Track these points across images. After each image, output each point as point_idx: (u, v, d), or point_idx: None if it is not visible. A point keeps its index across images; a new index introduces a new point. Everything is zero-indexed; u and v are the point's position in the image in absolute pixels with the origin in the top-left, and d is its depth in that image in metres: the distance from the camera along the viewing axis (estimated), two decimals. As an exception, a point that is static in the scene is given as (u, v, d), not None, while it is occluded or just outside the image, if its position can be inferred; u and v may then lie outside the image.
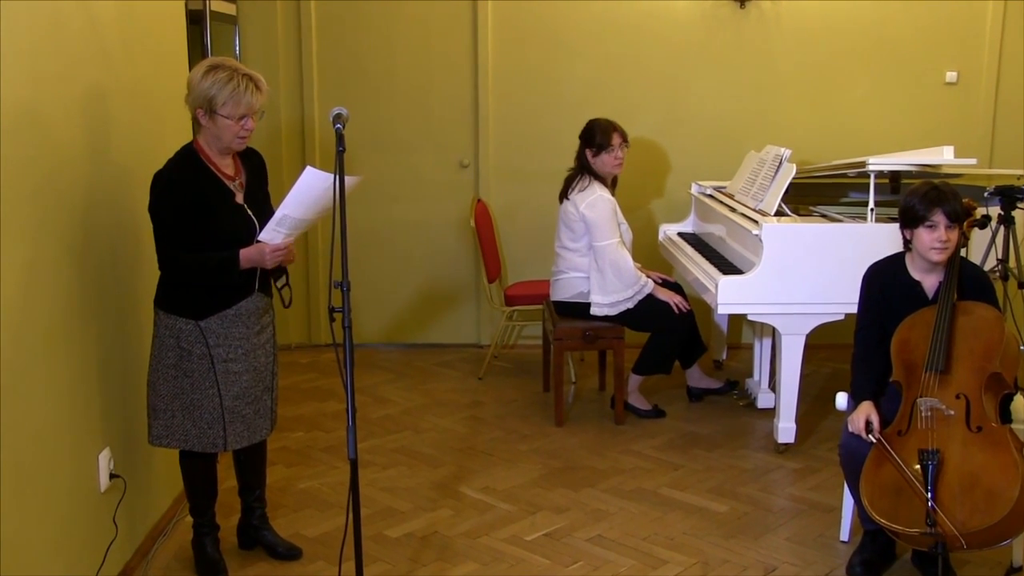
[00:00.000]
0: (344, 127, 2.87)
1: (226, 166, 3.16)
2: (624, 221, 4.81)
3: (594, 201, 4.71)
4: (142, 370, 3.41)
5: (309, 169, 2.90)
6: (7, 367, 2.62)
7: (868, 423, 3.12)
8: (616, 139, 4.75)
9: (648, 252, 5.64)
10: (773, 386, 4.83)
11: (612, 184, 4.90)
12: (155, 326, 3.20)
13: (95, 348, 3.17)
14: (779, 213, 4.43)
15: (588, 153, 4.75)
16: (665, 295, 4.78)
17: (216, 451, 3.23)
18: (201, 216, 3.05)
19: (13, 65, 2.65)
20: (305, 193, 2.94)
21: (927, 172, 4.57)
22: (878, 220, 4.27)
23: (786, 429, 4.37)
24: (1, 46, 2.59)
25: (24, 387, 2.71)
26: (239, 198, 3.16)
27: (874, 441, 3.07)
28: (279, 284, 3.28)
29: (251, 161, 3.27)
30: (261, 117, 3.13)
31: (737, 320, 5.83)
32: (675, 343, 4.84)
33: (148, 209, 3.08)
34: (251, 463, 3.48)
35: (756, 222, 4.34)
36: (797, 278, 4.22)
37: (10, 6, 2.64)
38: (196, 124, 3.11)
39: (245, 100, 3.02)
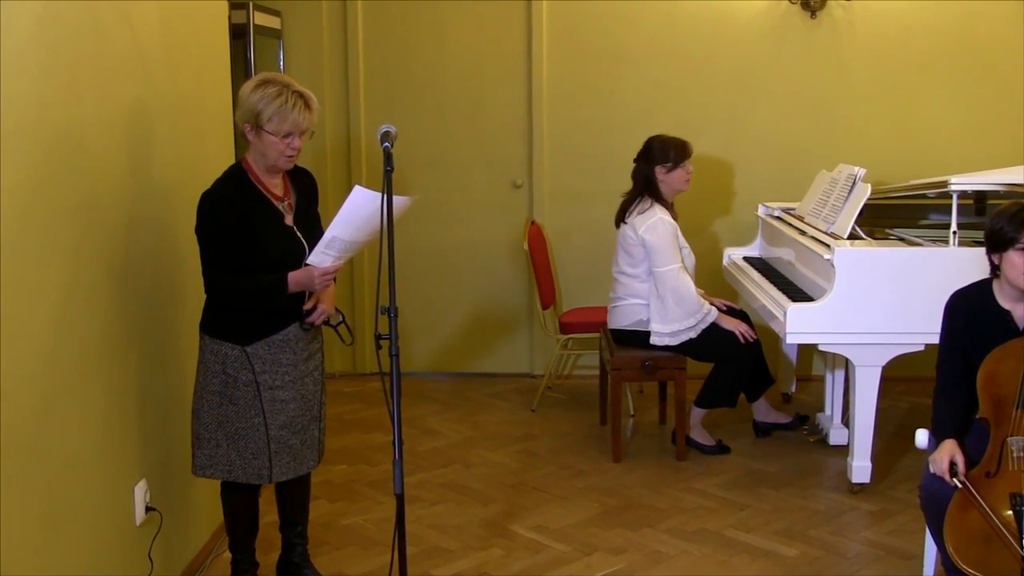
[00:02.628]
0: (392, 145, 2.88)
1: (275, 186, 3.19)
2: (686, 245, 4.78)
3: (654, 224, 4.68)
4: (182, 398, 3.44)
5: (358, 188, 2.91)
6: (41, 393, 2.65)
7: (952, 464, 3.04)
8: (689, 154, 4.77)
9: (712, 278, 5.60)
10: (846, 421, 4.75)
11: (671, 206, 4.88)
12: (200, 351, 3.23)
13: (134, 374, 3.21)
14: (852, 236, 4.38)
15: (661, 170, 4.73)
16: (730, 323, 4.73)
17: (261, 483, 3.25)
18: (248, 238, 3.08)
19: (54, 81, 2.71)
20: (354, 214, 2.95)
21: (1016, 192, 4.48)
22: (961, 244, 4.20)
23: (861, 468, 4.29)
24: (42, 62, 2.65)
25: (59, 414, 2.74)
26: (288, 219, 3.19)
27: (959, 485, 2.99)
28: (334, 323, 3.29)
29: (302, 181, 3.30)
30: (310, 137, 3.16)
31: (807, 351, 5.75)
32: (740, 374, 4.79)
33: (195, 230, 3.12)
34: (294, 497, 3.49)
35: (828, 246, 4.29)
36: (872, 306, 4.16)
37: (53, 22, 2.70)
38: (244, 141, 3.15)
39: (292, 117, 3.04)
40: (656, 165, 4.74)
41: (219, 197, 3.10)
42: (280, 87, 3.05)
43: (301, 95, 3.08)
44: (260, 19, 5.43)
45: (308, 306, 3.20)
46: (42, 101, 2.65)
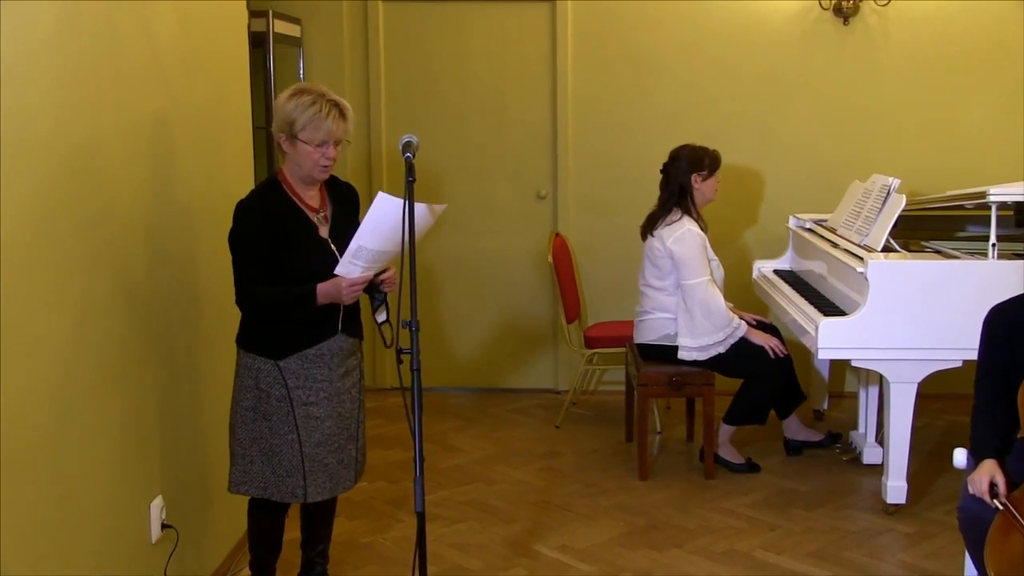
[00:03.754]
0: (414, 156, 2.89)
1: (310, 197, 3.20)
2: (715, 257, 4.77)
3: (682, 235, 4.67)
4: (200, 413, 3.46)
5: (381, 195, 2.92)
6: (57, 408, 2.67)
7: (992, 485, 3.00)
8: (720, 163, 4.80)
9: (741, 291, 5.57)
10: (881, 440, 4.72)
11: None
12: (237, 366, 3.25)
13: (151, 389, 3.23)
14: (887, 249, 4.36)
15: (696, 178, 4.73)
16: (760, 338, 4.71)
17: (295, 501, 3.25)
18: (279, 248, 3.10)
19: (71, 92, 2.73)
20: (379, 221, 2.95)
21: (1056, 203, 4.44)
22: (1001, 256, 4.17)
23: (896, 488, 4.26)
24: (60, 73, 2.67)
25: (75, 429, 2.75)
26: (323, 231, 3.20)
27: (1000, 507, 2.95)
28: (379, 319, 3.25)
29: (341, 193, 3.31)
30: (346, 146, 3.17)
31: (840, 366, 5.71)
32: (771, 390, 4.76)
33: (228, 239, 3.14)
34: (320, 515, 3.49)
35: (861, 259, 4.27)
36: (907, 320, 4.13)
37: (71, 32, 2.72)
38: (280, 151, 3.17)
39: (325, 126, 3.07)
40: (692, 173, 4.74)
41: (252, 206, 3.13)
42: (315, 96, 3.08)
43: (336, 104, 3.11)
44: (280, 27, 5.47)
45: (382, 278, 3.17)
46: (59, 112, 2.67)
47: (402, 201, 2.85)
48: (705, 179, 4.76)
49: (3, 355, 2.42)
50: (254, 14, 4.95)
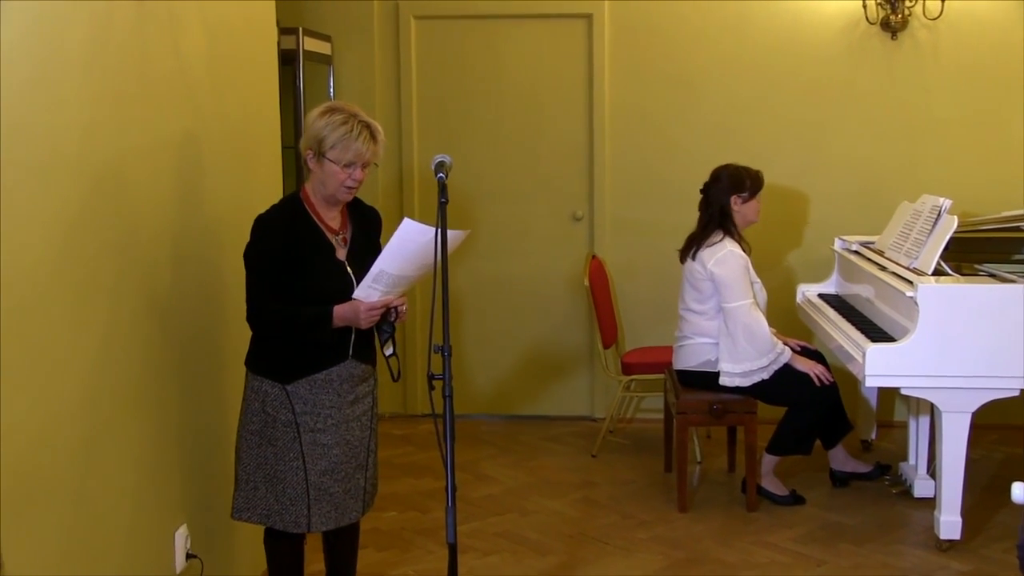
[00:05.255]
0: (447, 176, 2.90)
1: (331, 218, 3.22)
2: (758, 280, 4.75)
3: (724, 257, 4.66)
4: (225, 438, 3.47)
5: (407, 221, 2.93)
6: (82, 434, 2.69)
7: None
8: (763, 184, 4.79)
9: (785, 316, 5.54)
10: (933, 472, 4.66)
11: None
12: (244, 388, 3.26)
13: (175, 413, 3.25)
14: (937, 272, 4.32)
15: (736, 200, 4.72)
16: (805, 365, 4.68)
17: (299, 531, 3.25)
18: (294, 267, 3.11)
19: (100, 112, 2.77)
20: (403, 247, 2.97)
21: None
22: (1059, 281, 4.12)
23: (950, 523, 4.20)
24: (89, 93, 2.71)
25: (99, 456, 2.78)
26: (340, 254, 3.21)
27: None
28: (386, 353, 3.26)
29: (363, 216, 3.33)
30: (375, 169, 3.20)
31: (888, 395, 5.66)
32: (816, 419, 4.72)
33: (243, 254, 3.17)
34: (342, 546, 3.49)
35: (910, 282, 4.24)
36: (960, 347, 4.09)
37: (100, 52, 2.76)
38: (305, 168, 3.19)
39: (355, 147, 3.09)
40: (732, 194, 4.73)
41: (270, 221, 3.15)
42: (347, 115, 3.11)
43: (368, 125, 3.13)
44: (310, 44, 5.53)
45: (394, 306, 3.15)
46: (87, 131, 2.71)
47: (427, 228, 2.86)
48: (746, 201, 4.75)
49: (31, 378, 2.45)
50: (284, 31, 5.00)
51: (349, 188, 3.15)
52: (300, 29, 5.38)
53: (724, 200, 4.75)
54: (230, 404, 3.58)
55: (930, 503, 4.58)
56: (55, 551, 2.56)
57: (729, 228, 4.74)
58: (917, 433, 4.93)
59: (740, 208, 4.74)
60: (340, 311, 3.11)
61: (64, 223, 2.60)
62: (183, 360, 3.29)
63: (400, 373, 3.23)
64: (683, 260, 4.83)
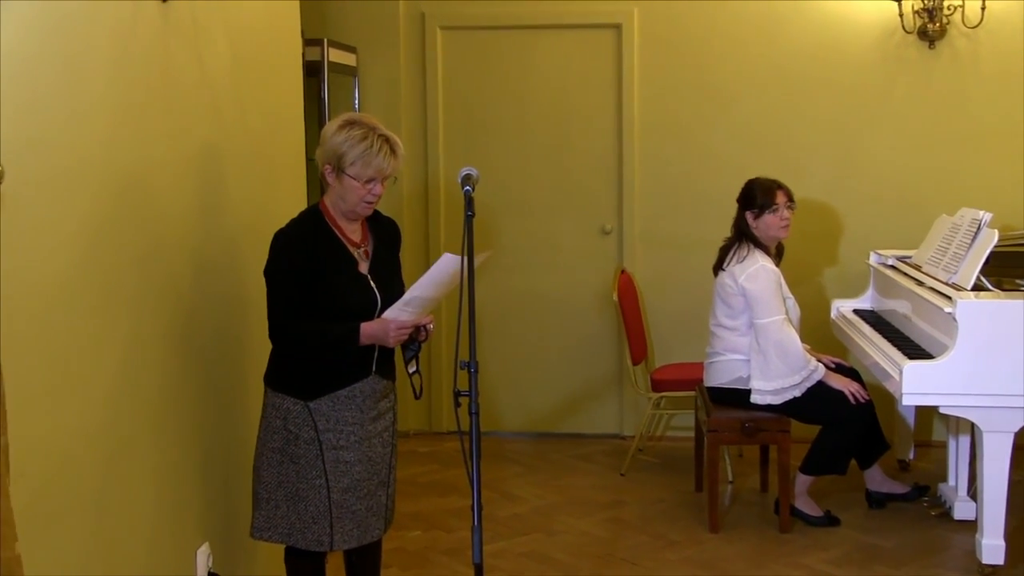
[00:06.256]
0: (474, 189, 2.91)
1: (352, 231, 3.24)
2: (790, 295, 4.74)
3: (755, 272, 4.65)
4: (247, 455, 3.48)
5: (447, 255, 2.98)
6: (103, 452, 2.71)
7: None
8: (780, 198, 4.72)
9: (819, 332, 5.51)
10: (974, 494, 4.61)
11: (777, 254, 4.83)
12: (264, 406, 3.27)
13: (196, 430, 3.27)
14: (977, 287, 4.29)
15: (748, 216, 4.72)
16: (839, 382, 4.65)
17: (321, 550, 3.26)
18: (317, 282, 3.13)
19: (124, 124, 2.80)
20: (438, 277, 3.04)
21: None
22: (1102, 296, 4.08)
23: (993, 547, 4.15)
24: (113, 104, 2.74)
25: (119, 473, 2.79)
26: (362, 267, 3.23)
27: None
28: (409, 370, 3.28)
29: (383, 229, 3.35)
30: (394, 183, 3.21)
31: (926, 413, 5.62)
32: (851, 438, 4.69)
33: (263, 270, 3.18)
34: (364, 566, 3.49)
35: (949, 298, 4.21)
36: (1001, 364, 4.05)
37: (125, 63, 2.79)
38: (324, 182, 3.21)
39: (376, 163, 3.11)
40: (745, 210, 4.74)
41: (291, 236, 3.17)
42: (366, 129, 3.12)
43: (387, 139, 3.14)
44: (335, 56, 5.56)
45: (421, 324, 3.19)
46: (110, 144, 2.74)
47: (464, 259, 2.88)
48: (757, 216, 4.72)
49: (53, 395, 2.47)
50: (308, 42, 5.04)
51: (369, 203, 3.17)
52: (325, 40, 5.42)
53: (741, 215, 4.75)
54: (253, 421, 3.59)
55: (971, 526, 4.53)
56: (76, 569, 2.58)
57: (756, 242, 4.73)
58: (957, 453, 4.89)
59: (755, 224, 4.72)
60: (368, 329, 3.13)
61: (86, 235, 2.63)
62: (205, 375, 3.31)
63: (423, 390, 3.25)
64: (715, 273, 4.82)
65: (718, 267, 4.81)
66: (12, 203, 2.26)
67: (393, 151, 3.15)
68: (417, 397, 3.24)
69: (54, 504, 2.48)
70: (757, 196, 4.74)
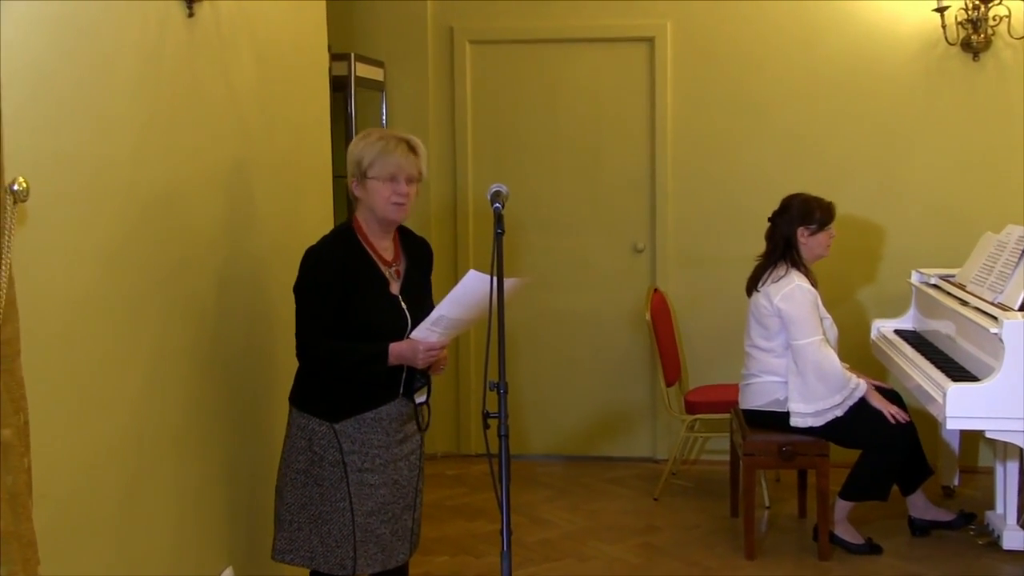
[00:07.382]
0: (504, 206, 2.91)
1: (384, 249, 3.26)
2: (828, 315, 4.71)
3: (791, 292, 4.63)
4: (271, 476, 3.49)
5: (472, 272, 2.98)
6: (126, 472, 2.73)
7: None
8: (834, 216, 4.75)
9: (858, 352, 5.47)
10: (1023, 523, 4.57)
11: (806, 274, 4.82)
12: (288, 426, 3.28)
13: (221, 451, 3.28)
14: (1024, 307, 4.25)
15: (803, 232, 4.70)
16: (879, 402, 4.62)
17: (344, 574, 3.26)
18: (347, 301, 3.14)
19: (150, 140, 2.83)
20: (465, 295, 3.03)
21: None
22: None
23: (1041, 577, 4.11)
24: (141, 121, 2.77)
25: (141, 494, 2.81)
26: (394, 287, 3.24)
27: None
28: (418, 400, 3.29)
29: (416, 249, 3.37)
30: (420, 180, 3.22)
31: (972, 438, 5.57)
32: (893, 463, 4.66)
33: (293, 287, 3.20)
34: (388, 591, 3.49)
35: (995, 318, 4.19)
36: (1050, 387, 4.01)
37: (151, 79, 2.83)
38: (353, 199, 3.24)
39: (394, 159, 3.14)
40: (798, 226, 4.71)
41: (322, 253, 3.19)
42: (382, 134, 3.20)
43: (405, 140, 3.19)
44: (362, 71, 5.60)
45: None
46: (137, 160, 2.77)
47: (491, 278, 2.88)
48: (813, 234, 4.71)
49: (76, 414, 2.49)
50: (335, 57, 5.08)
51: (397, 204, 3.18)
52: (352, 55, 5.46)
53: (790, 231, 4.72)
54: (277, 441, 3.60)
55: (1021, 556, 4.49)
56: (97, 592, 2.59)
57: (795, 260, 4.71)
58: (1005, 479, 4.82)
59: (807, 241, 4.71)
60: (397, 349, 3.14)
61: (110, 251, 2.65)
62: (229, 394, 3.33)
63: (429, 424, 3.31)
64: (749, 293, 4.80)
65: (752, 286, 4.79)
66: (37, 219, 2.29)
67: (412, 149, 3.19)
68: (422, 430, 3.29)
69: (76, 525, 2.49)
70: (816, 212, 4.72)
